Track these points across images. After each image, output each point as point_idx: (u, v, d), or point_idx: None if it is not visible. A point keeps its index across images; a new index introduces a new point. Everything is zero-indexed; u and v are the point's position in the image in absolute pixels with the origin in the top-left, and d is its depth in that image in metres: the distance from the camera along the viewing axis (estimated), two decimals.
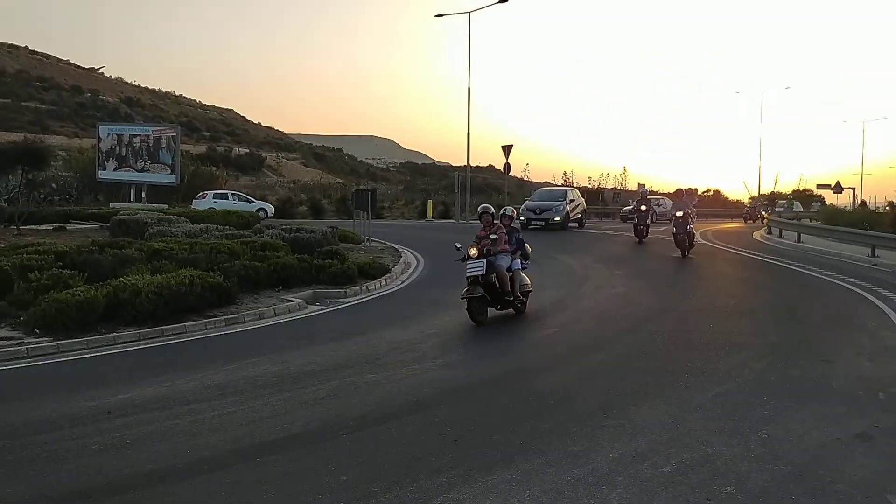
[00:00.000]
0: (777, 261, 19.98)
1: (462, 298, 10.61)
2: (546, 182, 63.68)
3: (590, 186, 53.75)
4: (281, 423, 6.30)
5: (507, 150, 38.38)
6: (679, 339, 9.85)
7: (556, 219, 29.05)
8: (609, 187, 55.70)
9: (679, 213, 20.14)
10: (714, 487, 4.85)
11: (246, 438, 5.89)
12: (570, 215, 30.39)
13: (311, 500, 4.66)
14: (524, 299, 11.59)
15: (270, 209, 38.85)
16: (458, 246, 11.21)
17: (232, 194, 38.67)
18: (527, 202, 30.71)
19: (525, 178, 64.05)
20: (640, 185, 36.04)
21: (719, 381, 7.63)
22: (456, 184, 41.99)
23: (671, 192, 35.66)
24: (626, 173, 76.07)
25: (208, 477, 5.10)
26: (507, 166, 39.29)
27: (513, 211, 12.30)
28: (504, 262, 11.03)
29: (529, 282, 11.87)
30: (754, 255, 21.91)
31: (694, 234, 20.51)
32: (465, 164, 41.58)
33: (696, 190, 32.16)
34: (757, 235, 31.25)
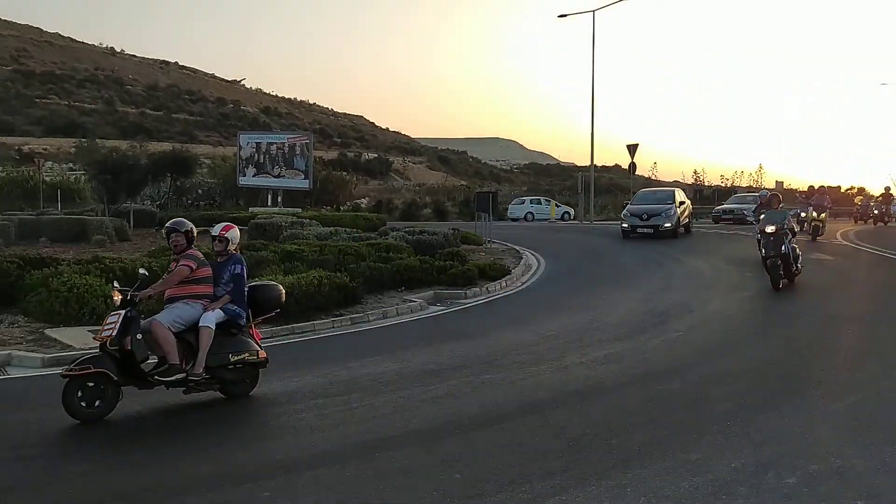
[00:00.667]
0: None
1: None
2: (675, 181, 61.73)
3: (722, 185, 51.62)
4: (400, 419, 6.51)
5: (632, 149, 37.51)
6: (813, 345, 9.33)
7: (666, 225, 24.81)
8: (743, 185, 53.24)
9: (770, 228, 13.57)
10: (842, 501, 4.60)
11: (367, 433, 6.14)
12: (680, 219, 26.01)
13: (426, 496, 4.80)
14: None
15: (571, 212, 44.50)
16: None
17: (544, 200, 46.74)
18: (629, 206, 26.82)
19: (653, 178, 62.34)
20: (778, 184, 33.30)
21: (855, 390, 7.19)
22: (579, 184, 41.49)
23: (803, 189, 30.91)
24: (763, 171, 72.29)
25: (330, 469, 5.36)
26: (633, 166, 38.39)
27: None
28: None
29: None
30: None
31: (797, 256, 14.25)
32: (589, 163, 40.98)
33: (824, 188, 27.23)
34: None
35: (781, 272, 13.52)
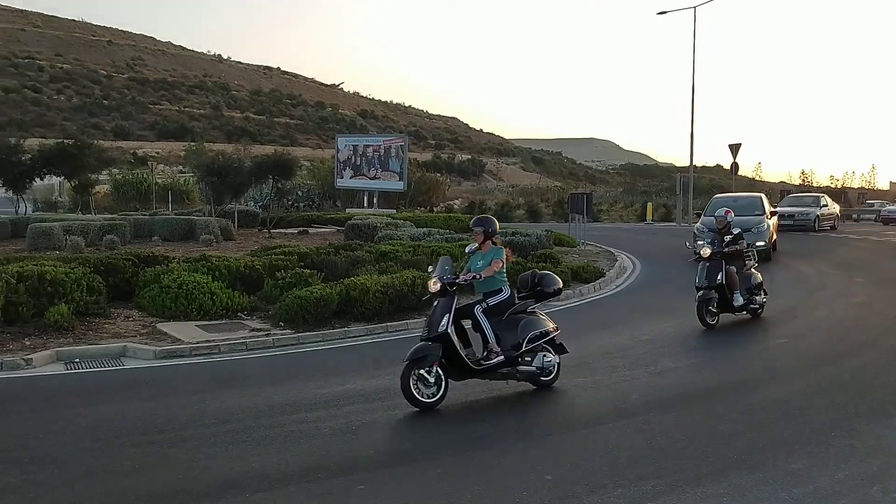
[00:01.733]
0: None
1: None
2: (781, 182, 59.21)
3: (832, 186, 49.18)
4: (491, 418, 6.58)
5: (734, 148, 36.21)
6: None
7: (759, 244, 17.00)
8: (855, 187, 50.53)
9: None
10: None
11: (459, 432, 6.23)
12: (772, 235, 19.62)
13: (516, 496, 4.83)
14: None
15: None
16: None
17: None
18: (703, 218, 19.93)
19: (756, 178, 60.00)
20: (893, 185, 31.31)
21: None
22: (678, 185, 40.39)
23: None
24: (875, 171, 68.37)
25: (422, 465, 5.48)
26: (735, 166, 37.04)
27: None
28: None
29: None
30: None
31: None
32: (689, 164, 39.85)
33: None
34: None
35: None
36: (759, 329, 10.55)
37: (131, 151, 72.73)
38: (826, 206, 30.41)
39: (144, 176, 38.45)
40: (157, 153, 74.82)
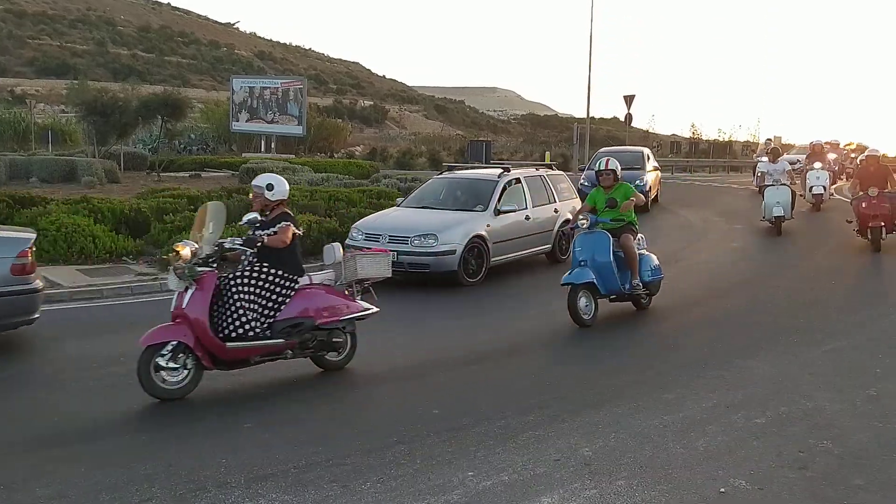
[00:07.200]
0: None
1: None
2: (673, 135, 61.37)
3: (719, 139, 51.43)
4: (386, 358, 6.64)
5: (628, 100, 37.20)
6: (797, 295, 9.44)
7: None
8: (741, 140, 53.04)
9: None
10: (810, 441, 4.72)
11: (342, 376, 6.27)
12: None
13: (408, 428, 4.91)
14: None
15: None
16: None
17: None
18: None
19: (649, 131, 61.87)
20: (768, 141, 30.80)
21: (833, 338, 7.31)
22: (575, 135, 41.27)
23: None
24: (760, 124, 71.93)
25: (337, 403, 5.47)
26: (629, 117, 38.14)
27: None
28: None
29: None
30: None
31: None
32: (586, 115, 40.71)
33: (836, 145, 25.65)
34: None
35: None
36: None
37: (8, 89, 67.60)
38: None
39: (22, 115, 35.91)
40: (37, 91, 69.79)
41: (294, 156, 33.97)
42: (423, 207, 10.81)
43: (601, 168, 8.16)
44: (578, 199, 11.96)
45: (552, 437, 4.75)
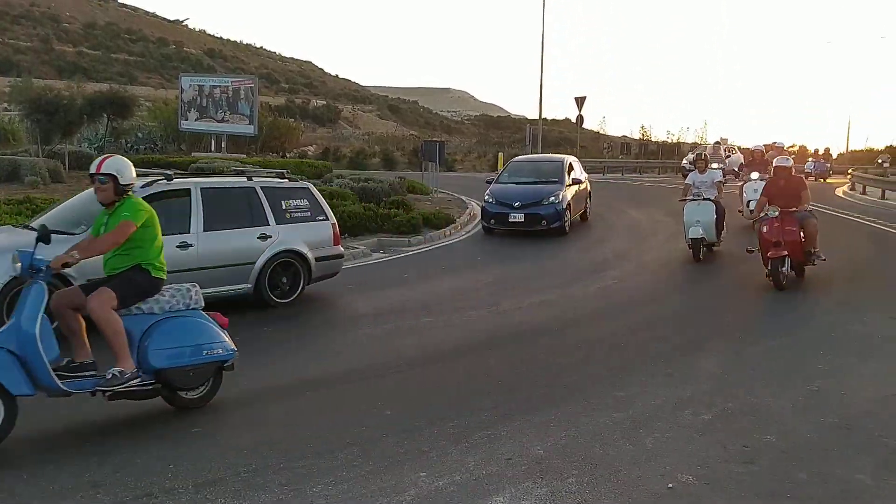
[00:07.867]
0: (856, 217, 19.14)
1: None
2: (623, 136, 62.26)
3: (668, 141, 52.45)
4: (335, 360, 6.58)
5: (580, 101, 37.63)
6: (742, 292, 9.68)
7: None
8: (689, 142, 54.13)
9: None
10: (754, 435, 4.84)
11: (304, 372, 6.20)
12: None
13: (360, 430, 4.88)
14: None
15: None
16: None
17: None
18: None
19: (601, 132, 62.79)
20: (717, 144, 30.77)
21: (778, 335, 7.51)
22: (527, 136, 41.57)
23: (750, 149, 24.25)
24: (706, 127, 73.52)
25: (281, 406, 5.41)
26: (581, 118, 38.56)
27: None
28: None
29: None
30: (835, 211, 21.05)
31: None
32: (538, 116, 41.03)
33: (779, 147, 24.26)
34: (840, 192, 29.93)
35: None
36: (593, 271, 11.12)
37: None
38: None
39: None
40: None
41: (245, 155, 33.56)
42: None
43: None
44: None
45: (504, 437, 4.78)
